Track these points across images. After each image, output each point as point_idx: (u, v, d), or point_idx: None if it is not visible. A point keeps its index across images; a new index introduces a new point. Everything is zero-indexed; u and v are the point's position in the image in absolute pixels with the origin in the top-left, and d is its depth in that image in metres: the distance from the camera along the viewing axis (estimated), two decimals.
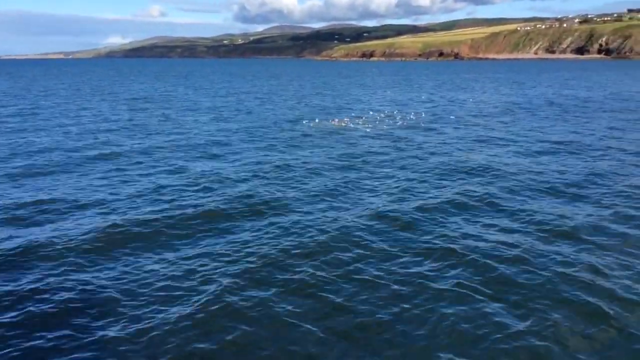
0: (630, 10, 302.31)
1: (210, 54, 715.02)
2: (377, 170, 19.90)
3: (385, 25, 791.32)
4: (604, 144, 25.59)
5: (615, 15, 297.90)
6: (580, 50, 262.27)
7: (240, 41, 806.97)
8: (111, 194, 16.61)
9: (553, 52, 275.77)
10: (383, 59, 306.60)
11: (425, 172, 19.67)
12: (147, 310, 9.24)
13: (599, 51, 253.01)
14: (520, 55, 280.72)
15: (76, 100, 51.17)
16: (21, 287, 10.13)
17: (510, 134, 29.14)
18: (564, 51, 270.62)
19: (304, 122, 34.16)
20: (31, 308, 9.32)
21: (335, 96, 57.86)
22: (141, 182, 18.18)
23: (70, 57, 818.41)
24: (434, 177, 18.79)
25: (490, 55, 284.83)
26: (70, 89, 69.34)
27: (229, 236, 12.83)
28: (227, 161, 21.91)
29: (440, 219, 13.99)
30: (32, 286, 10.15)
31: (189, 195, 16.33)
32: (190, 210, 14.64)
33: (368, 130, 30.68)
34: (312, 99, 54.54)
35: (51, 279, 10.46)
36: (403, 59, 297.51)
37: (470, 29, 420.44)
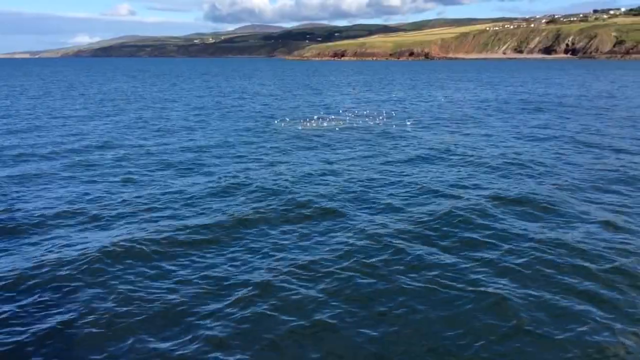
0: (595, 11, 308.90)
1: (181, 53, 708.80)
2: (347, 170, 19.76)
3: (356, 25, 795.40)
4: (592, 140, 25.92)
5: (581, 15, 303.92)
6: (547, 50, 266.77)
7: (211, 40, 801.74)
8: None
9: (521, 52, 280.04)
10: (354, 58, 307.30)
11: (401, 170, 19.59)
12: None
13: (566, 51, 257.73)
14: (489, 55, 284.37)
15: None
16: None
17: (484, 131, 29.34)
18: (531, 51, 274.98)
19: (275, 122, 33.90)
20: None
21: (308, 96, 57.64)
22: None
23: (37, 56, 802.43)
24: (409, 176, 18.72)
25: (460, 55, 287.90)
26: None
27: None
28: (199, 173, 21.52)
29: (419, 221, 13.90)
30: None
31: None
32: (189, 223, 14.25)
33: (339, 130, 30.56)
34: (285, 99, 54.26)
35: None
36: (374, 58, 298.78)
37: (440, 29, 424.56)
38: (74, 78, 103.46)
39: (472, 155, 22.78)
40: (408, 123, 32.64)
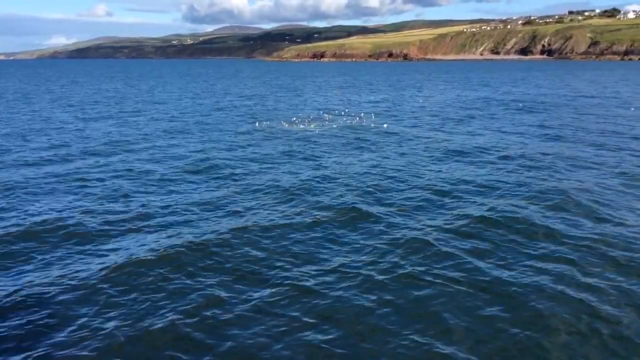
0: (570, 12, 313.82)
1: (159, 54, 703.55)
2: (327, 171, 19.87)
3: (335, 26, 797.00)
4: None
5: (556, 17, 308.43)
6: (524, 51, 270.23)
7: (189, 41, 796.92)
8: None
9: (498, 53, 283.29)
10: (334, 59, 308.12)
11: (380, 171, 19.75)
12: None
13: (542, 52, 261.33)
14: (466, 56, 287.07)
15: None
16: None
17: (463, 132, 29.67)
18: (508, 52, 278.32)
19: (256, 123, 33.85)
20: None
21: (288, 97, 57.66)
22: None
23: (11, 58, 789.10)
24: (388, 177, 18.88)
25: (438, 56, 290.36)
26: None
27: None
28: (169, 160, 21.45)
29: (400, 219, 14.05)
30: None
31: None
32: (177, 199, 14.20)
33: (319, 130, 30.63)
34: (265, 99, 54.23)
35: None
36: (353, 59, 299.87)
37: (418, 30, 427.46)
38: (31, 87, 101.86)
39: (455, 153, 23.08)
40: (385, 125, 32.71)
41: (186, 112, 42.22)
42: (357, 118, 36.44)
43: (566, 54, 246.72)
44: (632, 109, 40.42)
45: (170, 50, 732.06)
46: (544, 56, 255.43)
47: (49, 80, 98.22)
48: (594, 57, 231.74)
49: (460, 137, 28.21)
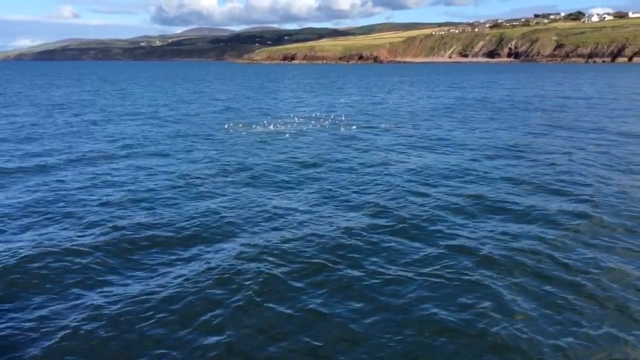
0: (536, 16, 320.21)
1: (126, 56, 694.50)
2: (299, 174, 19.92)
3: (306, 28, 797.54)
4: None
5: (523, 20, 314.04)
6: (491, 54, 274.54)
7: (158, 43, 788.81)
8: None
9: (466, 55, 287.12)
10: (305, 61, 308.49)
11: (348, 173, 19.86)
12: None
13: (509, 54, 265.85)
14: (435, 59, 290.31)
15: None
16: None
17: (434, 134, 30.02)
18: (476, 55, 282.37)
19: (225, 126, 33.69)
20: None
21: (259, 99, 57.51)
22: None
23: None
24: (358, 180, 19.01)
25: (408, 59, 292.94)
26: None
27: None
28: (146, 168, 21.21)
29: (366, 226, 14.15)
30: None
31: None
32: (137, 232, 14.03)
33: (290, 132, 30.62)
34: (237, 101, 54.01)
35: None
36: (324, 62, 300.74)
37: (388, 33, 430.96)
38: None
39: (424, 156, 23.36)
40: (354, 127, 32.82)
41: (157, 116, 41.79)
42: (329, 120, 36.59)
43: (532, 56, 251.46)
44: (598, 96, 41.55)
45: (139, 52, 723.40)
46: (511, 59, 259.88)
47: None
48: (559, 59, 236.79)
49: (432, 139, 28.54)
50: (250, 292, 9.84)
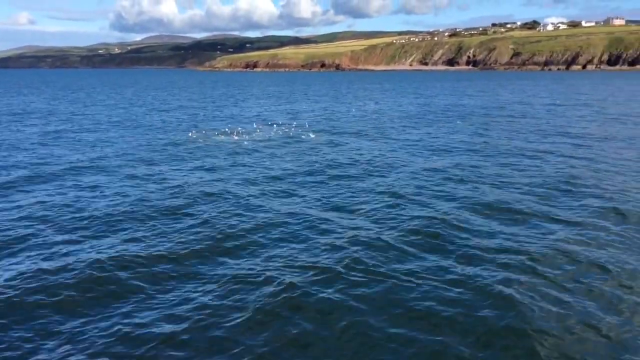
0: (494, 25, 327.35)
1: (85, 64, 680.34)
2: (257, 181, 19.94)
3: (268, 36, 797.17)
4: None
5: (480, 29, 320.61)
6: (450, 62, 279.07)
7: (117, 50, 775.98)
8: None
9: (426, 63, 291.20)
10: (267, 69, 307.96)
11: (308, 178, 19.96)
12: None
13: (468, 62, 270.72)
14: (396, 67, 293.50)
15: None
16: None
17: (395, 139, 30.40)
18: (436, 63, 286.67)
19: (189, 134, 33.45)
20: None
21: (222, 108, 57.22)
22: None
23: None
24: (315, 184, 19.13)
25: (369, 67, 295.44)
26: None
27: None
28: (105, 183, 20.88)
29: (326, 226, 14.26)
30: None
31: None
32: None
33: (251, 141, 30.61)
34: (199, 110, 53.62)
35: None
36: (287, 69, 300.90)
37: (349, 41, 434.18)
38: None
39: (382, 163, 23.66)
40: (312, 135, 32.90)
41: (116, 122, 41.18)
42: (293, 127, 36.72)
43: (490, 64, 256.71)
44: (558, 102, 42.83)
45: (97, 59, 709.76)
46: (470, 67, 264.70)
47: None
48: (516, 67, 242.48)
49: (394, 145, 28.93)
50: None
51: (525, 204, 16.28)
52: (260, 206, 16.41)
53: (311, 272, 11.25)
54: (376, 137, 32.51)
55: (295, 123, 39.69)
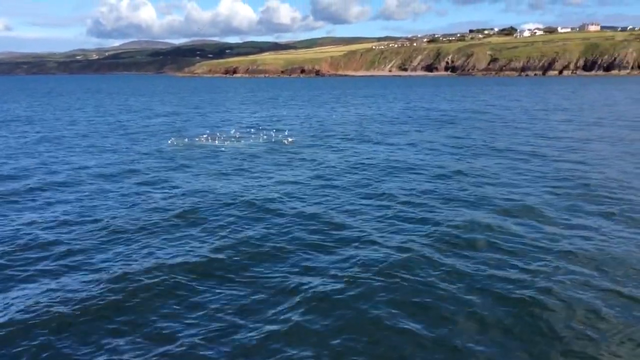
0: (471, 31, 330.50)
1: (62, 70, 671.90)
2: (235, 188, 19.83)
3: (247, 42, 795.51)
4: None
5: (458, 35, 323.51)
6: (429, 68, 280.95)
7: (95, 57, 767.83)
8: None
9: (405, 69, 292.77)
10: (247, 75, 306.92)
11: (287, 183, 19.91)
12: None
13: (446, 68, 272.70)
14: (376, 73, 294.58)
15: None
16: None
17: (382, 147, 30.49)
18: (415, 69, 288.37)
19: (169, 141, 33.13)
20: None
21: (202, 114, 56.90)
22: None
23: None
24: (292, 190, 19.08)
25: (349, 72, 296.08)
26: None
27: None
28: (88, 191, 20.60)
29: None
30: None
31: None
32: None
33: (229, 147, 30.48)
34: (179, 116, 53.23)
35: None
36: (266, 75, 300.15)
37: (329, 47, 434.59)
38: None
39: (366, 167, 23.71)
40: (291, 140, 32.84)
41: (94, 128, 40.73)
42: (273, 133, 36.62)
43: (468, 70, 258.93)
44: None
45: (75, 65, 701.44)
46: (448, 72, 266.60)
47: None
48: (493, 73, 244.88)
49: (376, 152, 29.00)
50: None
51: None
52: (238, 213, 16.31)
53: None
54: (360, 142, 32.56)
55: (276, 129, 39.60)
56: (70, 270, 12.02)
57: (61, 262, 12.53)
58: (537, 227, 14.68)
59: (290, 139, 33.20)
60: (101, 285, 11.07)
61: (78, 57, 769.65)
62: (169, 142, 32.80)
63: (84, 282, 11.32)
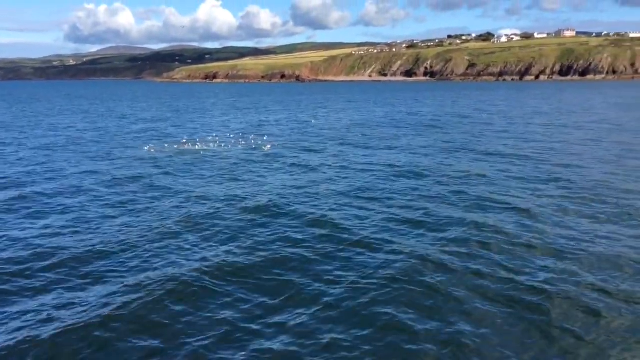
0: (450, 36, 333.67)
1: (38, 75, 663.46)
2: (210, 195, 19.61)
3: (227, 47, 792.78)
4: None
5: (437, 41, 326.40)
6: (408, 73, 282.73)
7: (72, 62, 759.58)
8: None
9: (385, 74, 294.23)
10: (227, 80, 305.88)
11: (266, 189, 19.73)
12: None
13: (425, 74, 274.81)
14: (356, 78, 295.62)
15: None
16: None
17: (364, 152, 30.43)
18: (394, 74, 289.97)
19: (146, 147, 32.63)
20: None
21: (180, 120, 56.45)
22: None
23: None
24: (276, 199, 18.91)
25: (329, 78, 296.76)
26: None
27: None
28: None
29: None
30: None
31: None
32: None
33: (207, 153, 30.23)
34: (159, 122, 52.71)
35: None
36: (247, 80, 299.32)
37: (309, 52, 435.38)
38: None
39: (348, 170, 23.62)
40: (268, 147, 32.51)
41: (72, 137, 40.12)
42: (252, 139, 36.41)
43: (447, 75, 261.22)
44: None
45: (52, 71, 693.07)
46: (427, 78, 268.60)
47: None
48: (472, 78, 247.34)
49: (356, 155, 28.94)
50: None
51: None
52: (220, 220, 16.10)
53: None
54: (342, 145, 32.47)
55: (256, 134, 39.40)
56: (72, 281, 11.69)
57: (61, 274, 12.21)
58: (530, 226, 14.81)
59: (269, 145, 32.98)
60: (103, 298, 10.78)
61: (55, 63, 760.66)
62: (147, 148, 32.30)
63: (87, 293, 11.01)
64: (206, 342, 9.01)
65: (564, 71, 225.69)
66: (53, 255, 13.00)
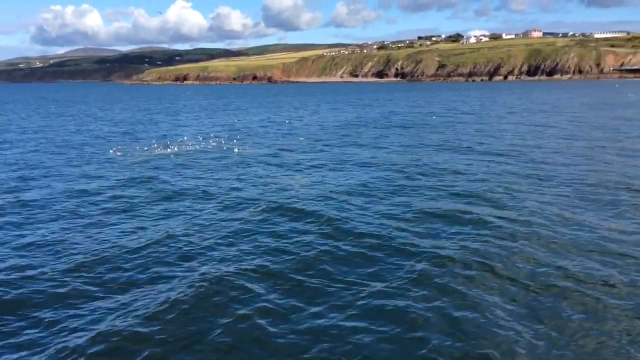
0: (420, 38, 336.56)
1: (4, 79, 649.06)
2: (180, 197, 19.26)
3: (198, 49, 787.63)
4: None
5: (407, 42, 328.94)
6: (380, 74, 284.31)
7: (38, 64, 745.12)
8: None
9: (357, 75, 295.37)
10: (198, 82, 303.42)
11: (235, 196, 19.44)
12: None
13: (396, 75, 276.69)
14: (327, 79, 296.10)
15: None
16: None
17: (339, 153, 30.30)
18: (366, 75, 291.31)
19: (110, 151, 31.89)
20: None
21: (150, 123, 55.60)
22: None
23: None
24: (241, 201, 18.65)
25: (301, 79, 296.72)
26: None
27: None
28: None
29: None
30: None
31: None
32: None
33: (177, 155, 29.80)
34: (128, 125, 51.82)
35: None
36: (218, 82, 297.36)
37: (281, 53, 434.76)
38: None
39: (324, 171, 23.46)
40: (236, 150, 32.02)
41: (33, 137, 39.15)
42: (224, 141, 36.00)
43: (418, 76, 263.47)
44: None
45: (17, 74, 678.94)
46: (398, 79, 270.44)
47: None
48: (442, 79, 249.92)
49: (337, 158, 28.80)
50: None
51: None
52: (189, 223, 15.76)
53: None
54: (312, 150, 32.26)
55: (227, 136, 38.97)
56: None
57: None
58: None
59: (240, 147, 32.58)
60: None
61: (21, 65, 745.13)
62: (111, 151, 31.56)
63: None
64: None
65: (532, 71, 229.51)
66: None
